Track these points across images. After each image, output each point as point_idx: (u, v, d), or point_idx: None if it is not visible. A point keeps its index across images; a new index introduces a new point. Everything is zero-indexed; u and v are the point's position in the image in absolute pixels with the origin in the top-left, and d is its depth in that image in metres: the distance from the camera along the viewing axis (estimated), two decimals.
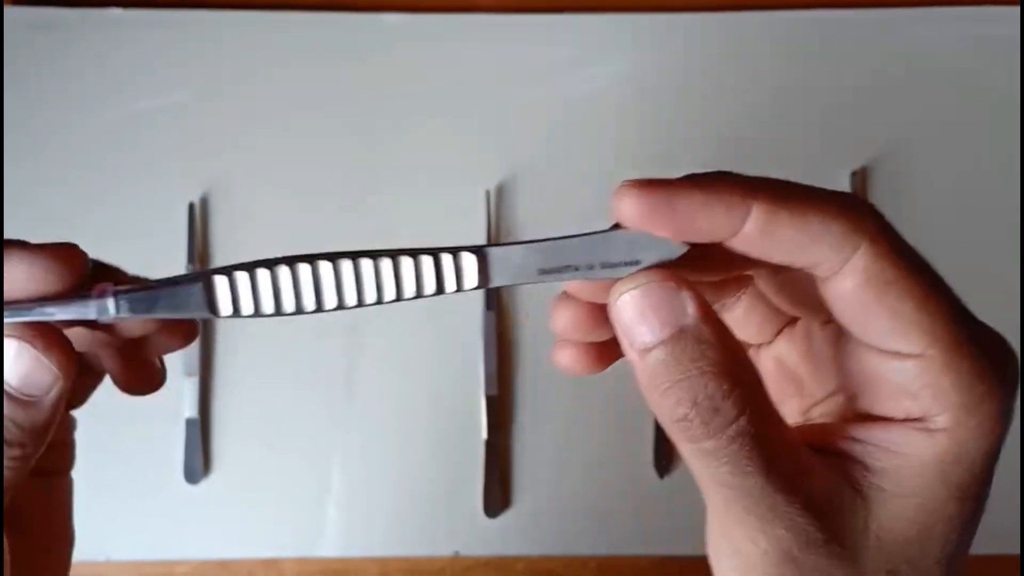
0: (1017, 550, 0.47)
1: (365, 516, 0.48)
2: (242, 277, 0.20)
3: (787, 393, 0.25)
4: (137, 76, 0.51)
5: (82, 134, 0.50)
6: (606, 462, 0.48)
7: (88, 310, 0.20)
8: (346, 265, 0.20)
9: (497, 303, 0.49)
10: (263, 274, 0.20)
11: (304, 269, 0.20)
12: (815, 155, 0.50)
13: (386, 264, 0.20)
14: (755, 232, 0.19)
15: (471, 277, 0.20)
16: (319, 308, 0.20)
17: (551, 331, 0.23)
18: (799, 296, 0.23)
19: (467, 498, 0.48)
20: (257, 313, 0.20)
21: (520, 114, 0.51)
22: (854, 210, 0.20)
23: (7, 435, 0.20)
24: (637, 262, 0.20)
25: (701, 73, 0.51)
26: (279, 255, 0.20)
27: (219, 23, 0.51)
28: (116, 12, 0.51)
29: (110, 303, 0.20)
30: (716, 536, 0.21)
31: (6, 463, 0.21)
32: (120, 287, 0.20)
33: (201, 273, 0.20)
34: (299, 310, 0.20)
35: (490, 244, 0.20)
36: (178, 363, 0.48)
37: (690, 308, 0.19)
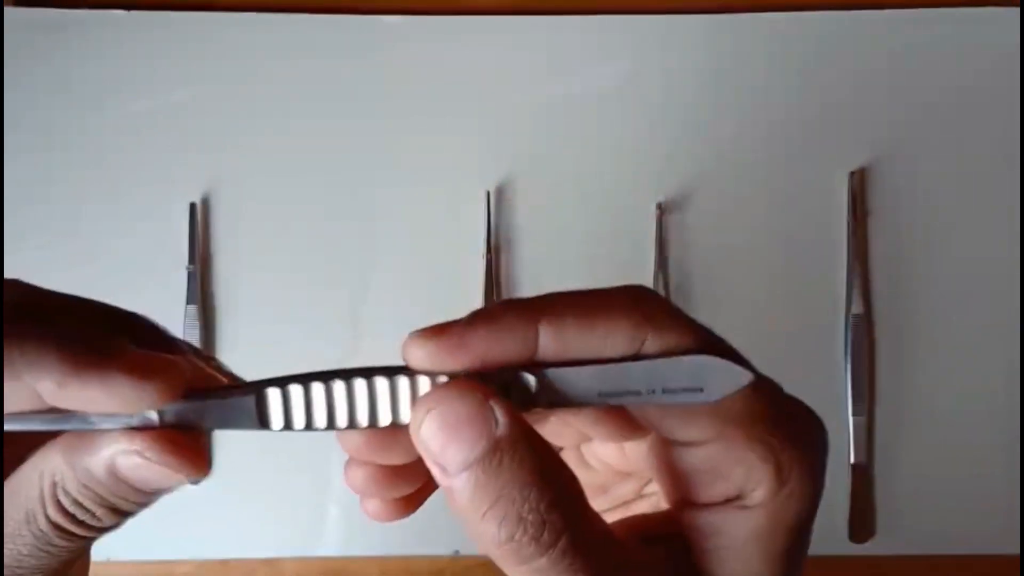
0: (1017, 550, 0.47)
1: (365, 516, 0.48)
2: (295, 391, 0.20)
3: (593, 494, 0.25)
4: (137, 76, 0.51)
5: (82, 134, 0.50)
6: None
7: (132, 420, 0.19)
8: (403, 383, 0.19)
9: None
10: (317, 388, 0.20)
11: (360, 385, 0.20)
12: (815, 155, 0.50)
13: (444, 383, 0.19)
14: (550, 347, 0.19)
15: (527, 398, 0.19)
16: (373, 423, 0.20)
17: None
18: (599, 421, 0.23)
19: None
20: (309, 427, 0.20)
21: (520, 114, 0.51)
22: (638, 302, 0.19)
23: (121, 505, 0.20)
24: (700, 389, 0.19)
25: (701, 74, 0.51)
26: (333, 368, 0.20)
27: (220, 24, 0.51)
28: (116, 13, 0.51)
29: (153, 415, 0.19)
30: None
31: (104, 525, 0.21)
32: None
33: (252, 384, 0.20)
34: (352, 424, 0.20)
35: (548, 365, 0.19)
36: None
37: (501, 417, 0.18)
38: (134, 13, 0.51)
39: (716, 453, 0.19)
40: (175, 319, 0.48)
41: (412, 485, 0.23)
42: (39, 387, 0.18)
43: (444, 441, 0.18)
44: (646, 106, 0.51)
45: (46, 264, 0.49)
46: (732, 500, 0.20)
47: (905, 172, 0.50)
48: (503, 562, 0.19)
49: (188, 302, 0.49)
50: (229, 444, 0.48)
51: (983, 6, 0.51)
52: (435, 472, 0.19)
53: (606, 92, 0.51)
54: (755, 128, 0.51)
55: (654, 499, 0.24)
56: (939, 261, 0.50)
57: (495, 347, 0.19)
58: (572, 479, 0.19)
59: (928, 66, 0.51)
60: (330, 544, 0.48)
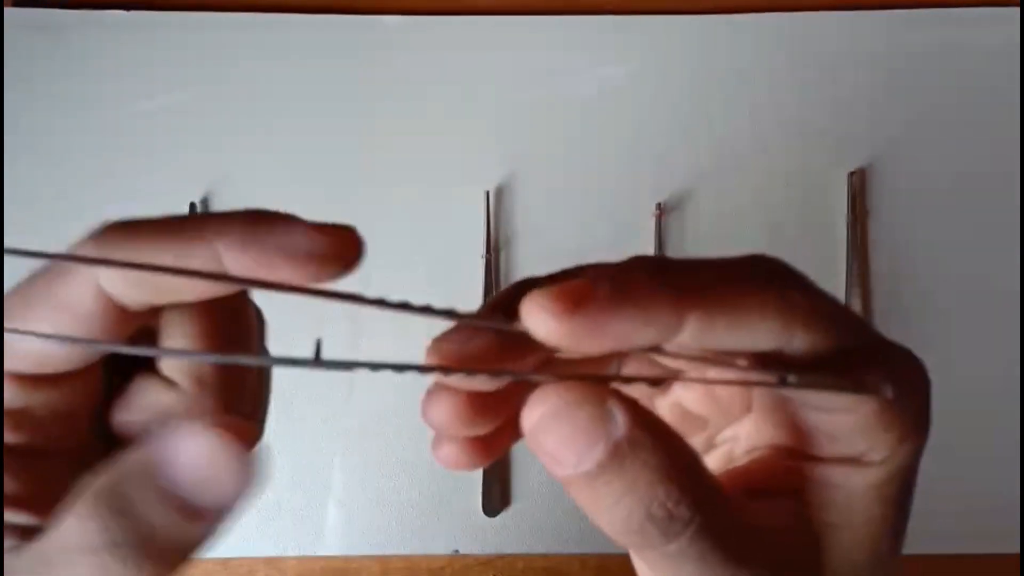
0: (1017, 549, 0.47)
1: (366, 515, 0.48)
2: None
3: (690, 431, 0.24)
4: (138, 76, 0.51)
5: (82, 134, 0.50)
6: None
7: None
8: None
9: None
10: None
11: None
12: (814, 155, 0.50)
13: None
14: (688, 341, 0.17)
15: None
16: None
17: None
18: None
19: (467, 497, 0.48)
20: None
21: (520, 114, 0.51)
22: (785, 295, 0.18)
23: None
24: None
25: (700, 74, 0.51)
26: None
27: (220, 25, 0.51)
28: (116, 13, 0.51)
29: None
30: None
31: None
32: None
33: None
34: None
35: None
36: None
37: (620, 418, 0.17)
38: (134, 13, 0.51)
39: (847, 422, 0.18)
40: None
41: (496, 422, 0.21)
42: (221, 245, 0.18)
43: (560, 446, 0.17)
44: (646, 106, 0.51)
45: None
46: (849, 459, 0.19)
47: (905, 172, 0.50)
48: (631, 547, 0.18)
49: None
50: None
51: (983, 6, 0.51)
52: (551, 468, 0.17)
53: (606, 92, 0.51)
54: (755, 128, 0.51)
55: (726, 448, 0.23)
56: (939, 261, 0.50)
57: (636, 336, 0.17)
58: (699, 464, 0.18)
59: (928, 66, 0.51)
60: (331, 543, 0.48)
